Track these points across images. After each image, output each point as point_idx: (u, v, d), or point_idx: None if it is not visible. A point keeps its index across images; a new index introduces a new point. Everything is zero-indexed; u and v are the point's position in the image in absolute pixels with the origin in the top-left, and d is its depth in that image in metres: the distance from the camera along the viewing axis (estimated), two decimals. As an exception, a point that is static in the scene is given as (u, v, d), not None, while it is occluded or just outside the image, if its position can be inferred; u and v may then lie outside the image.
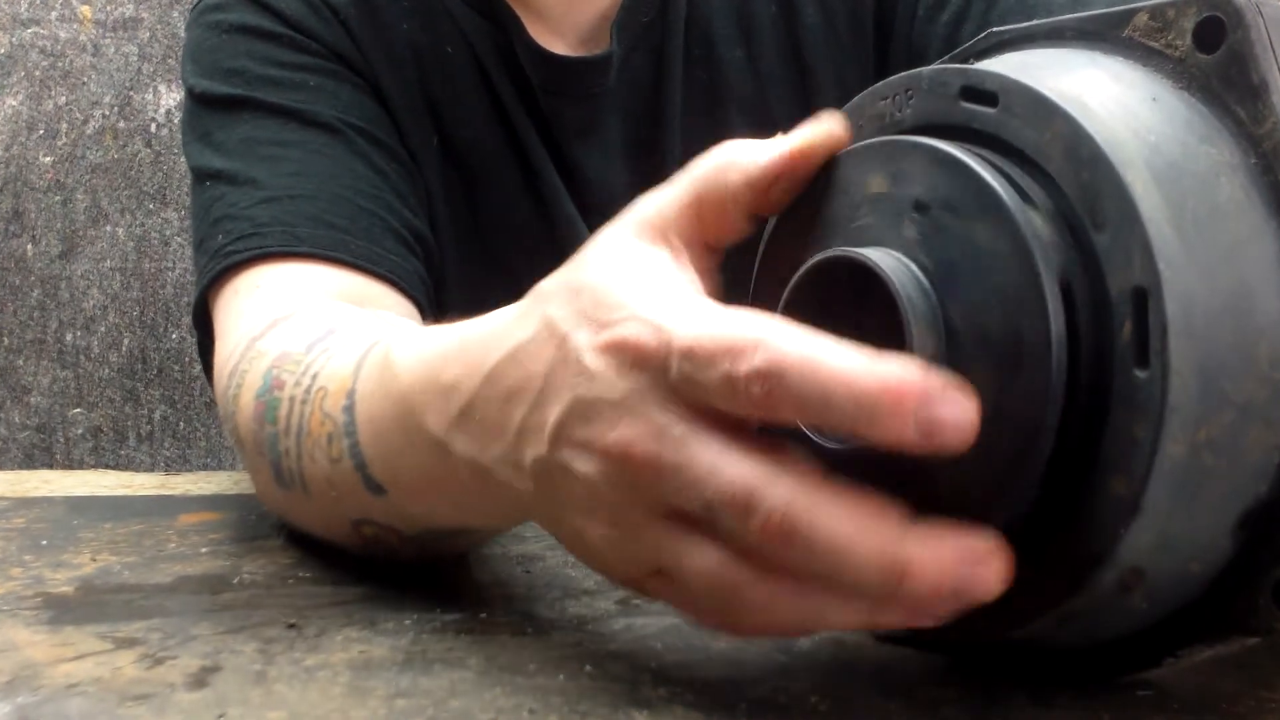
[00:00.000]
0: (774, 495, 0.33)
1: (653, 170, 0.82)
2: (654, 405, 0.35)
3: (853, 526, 0.32)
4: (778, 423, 0.34)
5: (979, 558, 0.32)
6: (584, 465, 0.37)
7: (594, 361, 0.36)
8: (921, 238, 0.37)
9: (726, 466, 0.34)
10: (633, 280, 0.37)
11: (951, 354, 0.36)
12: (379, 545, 0.53)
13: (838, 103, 0.43)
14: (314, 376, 0.52)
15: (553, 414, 0.37)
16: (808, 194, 0.41)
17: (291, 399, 0.53)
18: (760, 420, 0.34)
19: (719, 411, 0.35)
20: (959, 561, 0.32)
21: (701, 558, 0.35)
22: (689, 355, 0.34)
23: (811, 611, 0.34)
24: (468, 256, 0.79)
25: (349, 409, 0.49)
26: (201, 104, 0.75)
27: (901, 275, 0.36)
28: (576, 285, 0.39)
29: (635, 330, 0.36)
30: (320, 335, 0.56)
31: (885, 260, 0.36)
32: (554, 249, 0.80)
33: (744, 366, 0.33)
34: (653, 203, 0.40)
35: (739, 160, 0.39)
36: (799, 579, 0.34)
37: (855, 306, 0.40)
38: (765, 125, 0.80)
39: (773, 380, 0.32)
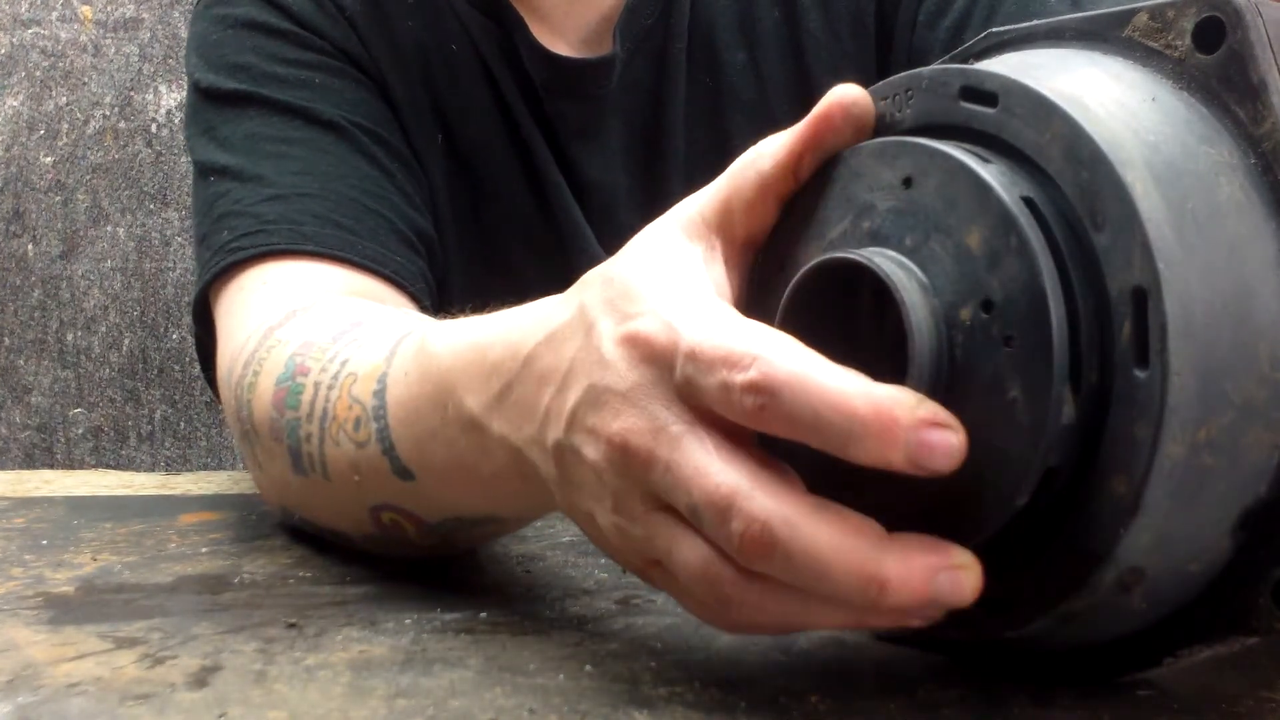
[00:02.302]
0: (753, 506, 0.34)
1: (653, 173, 0.82)
2: (657, 401, 0.36)
3: (832, 542, 0.33)
4: (773, 434, 0.35)
5: (953, 567, 0.34)
6: (591, 451, 0.38)
7: (610, 351, 0.38)
8: (921, 238, 0.37)
9: (713, 471, 0.35)
10: (658, 275, 0.39)
11: (952, 354, 0.36)
12: (394, 533, 0.53)
13: None
14: (343, 363, 0.53)
15: (571, 398, 0.39)
16: (807, 194, 0.41)
17: (317, 384, 0.53)
18: (759, 429, 0.35)
19: (718, 415, 0.35)
20: (934, 572, 0.33)
21: (690, 551, 0.36)
22: (692, 358, 0.35)
23: (797, 614, 0.35)
24: (471, 254, 0.79)
25: (380, 393, 0.50)
26: (206, 98, 0.75)
27: (902, 278, 0.36)
28: (611, 275, 0.40)
29: (649, 325, 0.37)
30: (346, 327, 0.56)
31: (886, 263, 0.36)
32: (557, 248, 0.80)
33: (740, 378, 0.34)
34: (694, 200, 0.41)
35: (768, 148, 0.40)
36: (784, 589, 0.35)
37: (857, 308, 0.40)
38: (767, 130, 0.80)
39: (765, 395, 0.34)
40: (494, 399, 0.43)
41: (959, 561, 0.34)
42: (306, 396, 0.53)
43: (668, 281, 0.38)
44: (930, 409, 0.33)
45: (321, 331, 0.56)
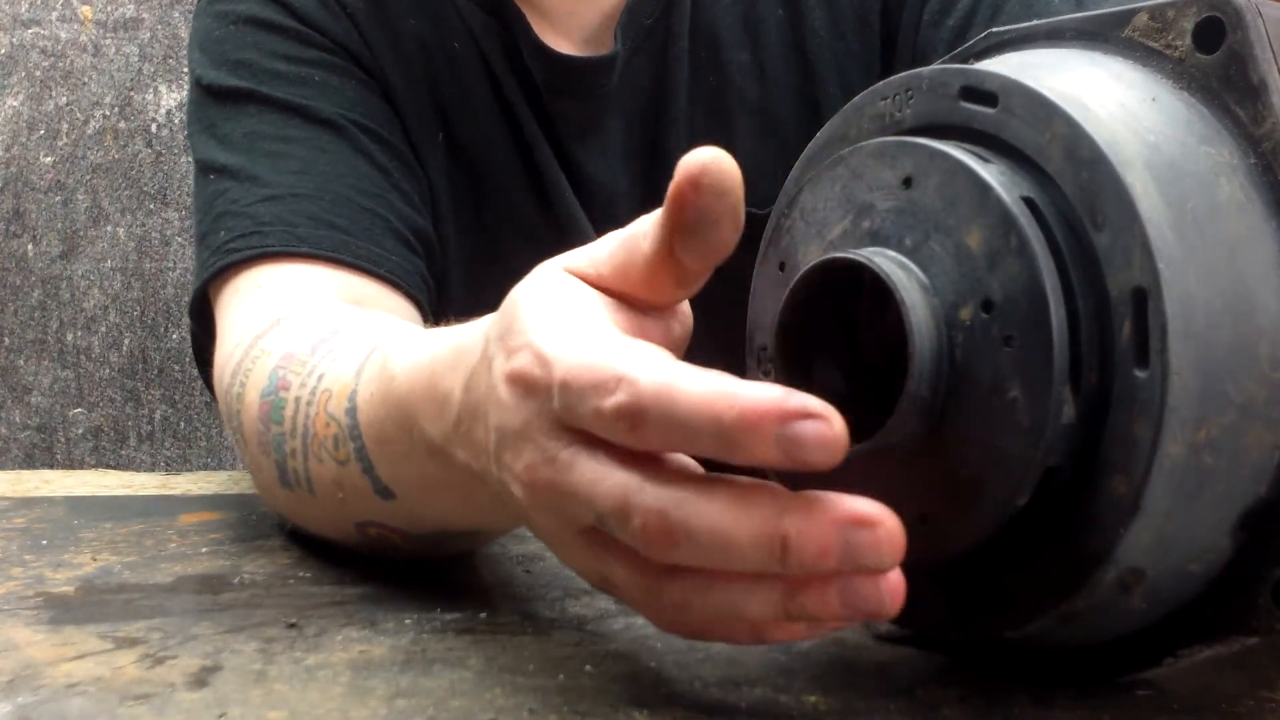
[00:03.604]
0: (646, 499, 0.34)
1: (655, 172, 0.82)
2: (544, 433, 0.37)
3: (729, 512, 0.33)
4: (653, 450, 0.35)
5: (859, 520, 0.32)
6: (514, 489, 0.38)
7: (503, 391, 0.38)
8: (921, 238, 0.37)
9: (604, 479, 0.35)
10: (540, 308, 0.38)
11: (952, 354, 0.36)
12: (382, 544, 0.53)
13: (842, 107, 0.43)
14: (320, 378, 0.52)
15: (491, 438, 0.39)
16: (807, 193, 0.41)
17: (297, 400, 0.53)
18: (639, 448, 0.35)
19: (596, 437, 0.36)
20: (837, 526, 0.32)
21: (618, 568, 0.36)
22: (565, 388, 0.35)
23: (727, 605, 0.34)
24: (472, 253, 0.79)
25: (352, 412, 0.49)
26: (208, 94, 0.75)
27: (902, 278, 0.36)
28: (504, 308, 0.40)
29: (525, 361, 0.37)
30: (325, 336, 0.56)
31: (886, 263, 0.36)
32: (558, 247, 0.79)
33: (609, 403, 0.34)
34: (586, 250, 0.41)
35: (644, 226, 0.38)
36: (703, 576, 0.34)
37: (857, 308, 0.40)
38: (770, 129, 0.80)
39: (634, 416, 0.33)
40: (451, 429, 0.43)
41: (865, 511, 0.32)
42: (289, 412, 0.53)
43: (548, 311, 0.38)
44: (799, 401, 0.32)
45: (302, 342, 0.56)
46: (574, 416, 0.35)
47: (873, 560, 0.32)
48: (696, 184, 0.35)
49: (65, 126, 1.42)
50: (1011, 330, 0.34)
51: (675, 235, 0.36)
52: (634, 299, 0.40)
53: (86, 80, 1.42)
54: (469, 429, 0.42)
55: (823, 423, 0.32)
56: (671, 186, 0.36)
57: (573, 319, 0.38)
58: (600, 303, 0.39)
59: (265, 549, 0.59)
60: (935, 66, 0.40)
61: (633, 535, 0.34)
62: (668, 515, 0.33)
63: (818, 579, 0.33)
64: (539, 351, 0.37)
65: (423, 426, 0.45)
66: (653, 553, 0.34)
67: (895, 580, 0.33)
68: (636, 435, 0.34)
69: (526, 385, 0.37)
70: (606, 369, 0.34)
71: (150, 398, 1.43)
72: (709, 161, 0.35)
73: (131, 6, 1.42)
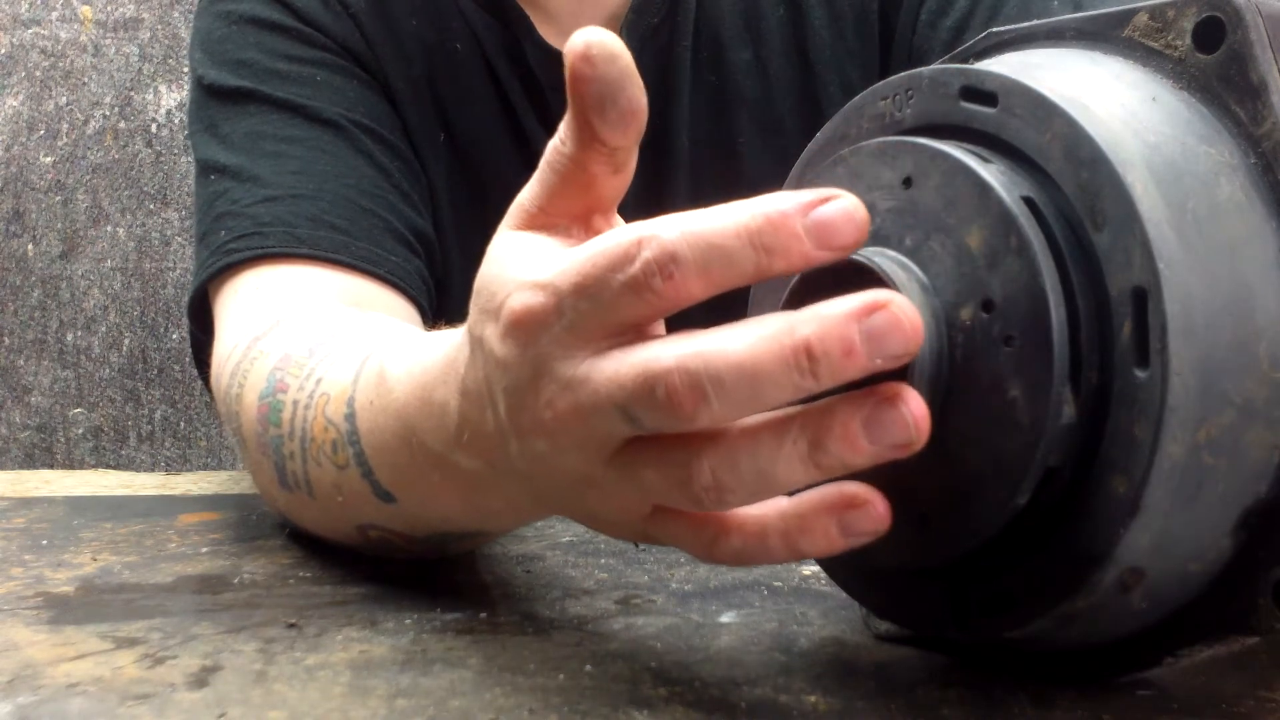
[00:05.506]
0: (664, 361, 0.33)
1: (658, 171, 0.82)
2: (556, 362, 0.36)
3: (745, 344, 0.32)
4: (690, 303, 0.34)
5: (870, 307, 0.32)
6: (542, 445, 0.38)
7: (501, 350, 0.37)
8: (921, 238, 0.37)
9: (620, 368, 0.34)
10: (510, 262, 0.38)
11: (953, 354, 0.36)
12: (383, 546, 0.53)
13: (843, 105, 0.43)
14: (317, 381, 0.52)
15: (502, 410, 0.39)
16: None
17: (295, 403, 0.53)
18: (674, 308, 0.34)
19: (614, 333, 0.35)
20: (851, 319, 0.32)
21: (651, 472, 0.35)
22: (581, 290, 0.35)
23: (757, 475, 0.34)
24: (473, 253, 0.79)
25: (350, 418, 0.49)
26: (209, 94, 0.75)
27: (903, 278, 0.36)
28: (475, 289, 0.40)
29: (521, 300, 0.36)
30: (322, 339, 0.56)
31: (886, 263, 0.36)
32: None
33: (637, 265, 0.34)
34: (522, 194, 0.41)
35: (555, 143, 0.39)
36: (735, 441, 0.34)
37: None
38: (772, 127, 0.80)
39: (670, 263, 0.33)
40: (453, 439, 0.43)
41: (869, 299, 0.32)
42: (286, 415, 0.53)
43: (517, 260, 0.38)
44: (812, 191, 0.32)
45: (299, 344, 0.56)
46: (591, 320, 0.35)
47: (898, 342, 0.32)
48: (588, 58, 0.36)
49: (65, 126, 1.42)
50: (1011, 330, 0.34)
51: (591, 116, 0.36)
52: (580, 213, 0.40)
53: (86, 80, 1.42)
54: (475, 434, 0.41)
55: (843, 200, 0.32)
56: (567, 78, 0.36)
57: (545, 251, 0.38)
58: (556, 241, 0.39)
59: (265, 549, 0.59)
60: (935, 66, 0.40)
61: (661, 406, 0.33)
62: (688, 367, 0.33)
63: (840, 418, 0.33)
64: (529, 283, 0.36)
65: (423, 439, 0.44)
66: (684, 416, 0.33)
67: (917, 405, 0.32)
68: (677, 286, 0.33)
69: (527, 325, 0.36)
70: (616, 246, 0.34)
71: (150, 398, 1.43)
72: (587, 38, 0.36)
73: (131, 6, 1.42)
